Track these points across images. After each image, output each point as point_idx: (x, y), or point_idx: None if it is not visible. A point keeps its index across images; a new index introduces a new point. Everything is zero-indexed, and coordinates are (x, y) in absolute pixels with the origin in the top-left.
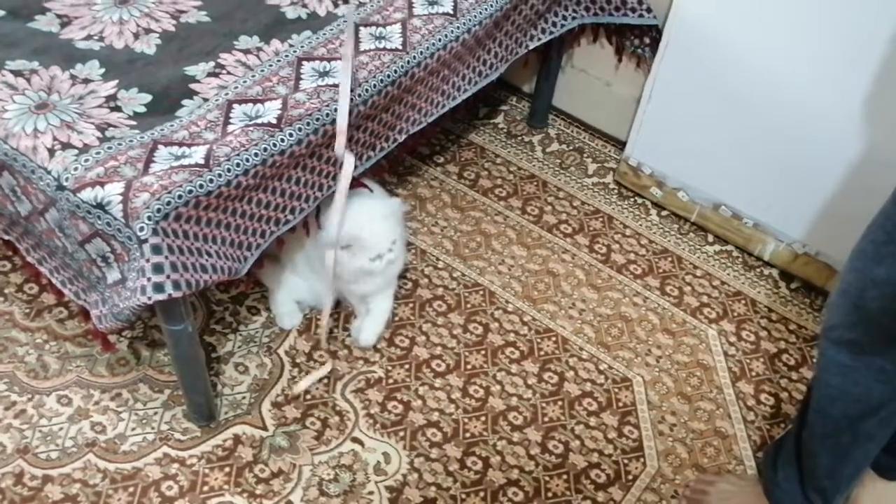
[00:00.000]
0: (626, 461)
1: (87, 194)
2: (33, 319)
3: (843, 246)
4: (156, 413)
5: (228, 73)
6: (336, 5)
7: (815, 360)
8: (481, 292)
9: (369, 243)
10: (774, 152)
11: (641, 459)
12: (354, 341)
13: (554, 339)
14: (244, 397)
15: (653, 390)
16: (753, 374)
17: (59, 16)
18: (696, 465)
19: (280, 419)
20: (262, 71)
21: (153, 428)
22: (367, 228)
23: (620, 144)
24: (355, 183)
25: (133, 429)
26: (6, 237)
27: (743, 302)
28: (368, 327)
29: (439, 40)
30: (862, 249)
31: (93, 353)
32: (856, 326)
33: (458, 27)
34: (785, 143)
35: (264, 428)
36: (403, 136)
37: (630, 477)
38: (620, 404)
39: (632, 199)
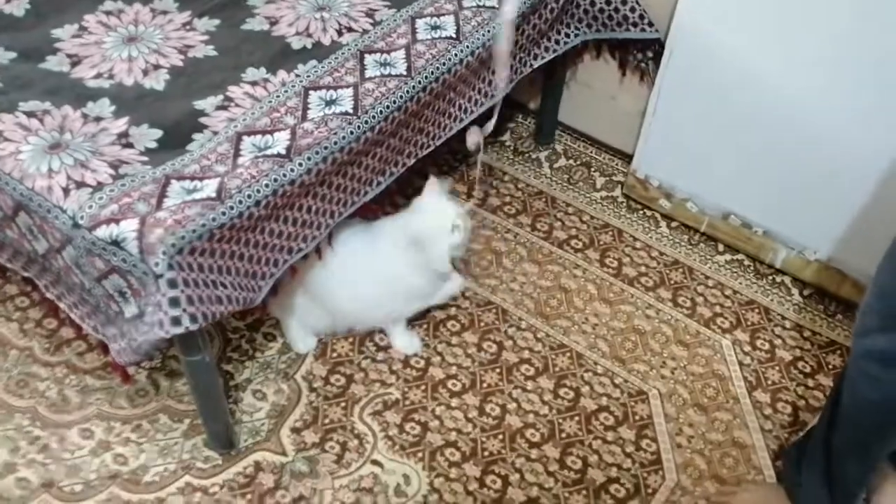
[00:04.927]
0: (645, 475)
1: (103, 232)
2: (53, 354)
3: (856, 251)
4: (176, 443)
5: (237, 105)
6: (340, 34)
7: (832, 367)
8: (494, 310)
9: (441, 217)
10: (781, 160)
11: (660, 472)
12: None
13: (568, 354)
14: (263, 424)
15: (669, 402)
16: (769, 382)
17: (69, 55)
18: (716, 476)
19: (299, 444)
20: (270, 102)
21: (175, 458)
22: (431, 207)
23: (627, 157)
24: (364, 209)
25: (155, 459)
26: (25, 274)
27: (756, 311)
28: (407, 337)
29: (443, 64)
30: None
31: (112, 385)
32: (892, 332)
33: (461, 50)
34: (791, 150)
35: (284, 454)
36: (412, 161)
37: (650, 490)
38: (637, 418)
39: (641, 212)
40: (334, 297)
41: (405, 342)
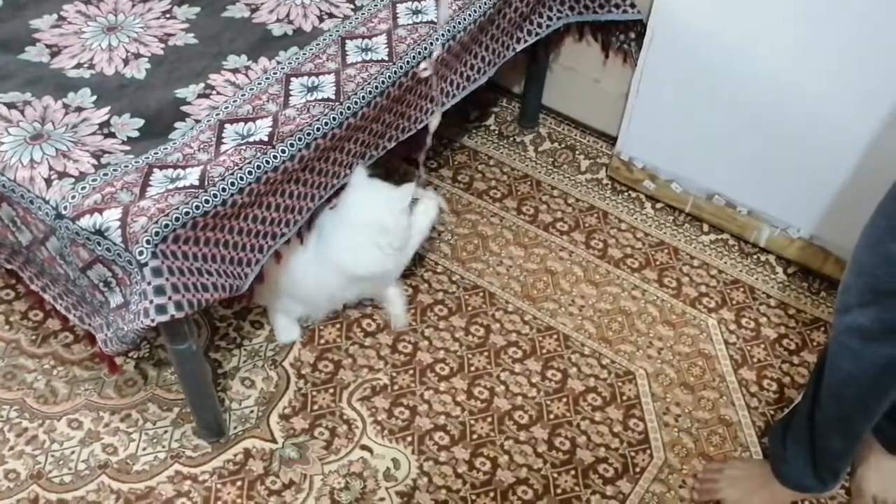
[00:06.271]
0: (632, 454)
1: (86, 221)
2: (40, 346)
3: (838, 229)
4: (166, 432)
5: (218, 93)
6: (321, 20)
7: (816, 344)
8: (481, 294)
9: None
10: (764, 139)
11: (648, 451)
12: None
13: (555, 336)
14: (252, 411)
15: (656, 382)
16: (755, 360)
17: (48, 46)
18: (703, 453)
19: (288, 431)
20: (252, 89)
21: (164, 446)
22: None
23: (612, 140)
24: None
25: (144, 448)
26: (9, 266)
27: (741, 289)
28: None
29: (425, 48)
30: (876, 226)
31: (100, 375)
32: (870, 307)
33: (443, 34)
34: (774, 129)
35: (273, 440)
36: (393, 144)
37: (637, 469)
38: (624, 398)
39: (626, 194)
40: (307, 282)
41: (399, 308)
